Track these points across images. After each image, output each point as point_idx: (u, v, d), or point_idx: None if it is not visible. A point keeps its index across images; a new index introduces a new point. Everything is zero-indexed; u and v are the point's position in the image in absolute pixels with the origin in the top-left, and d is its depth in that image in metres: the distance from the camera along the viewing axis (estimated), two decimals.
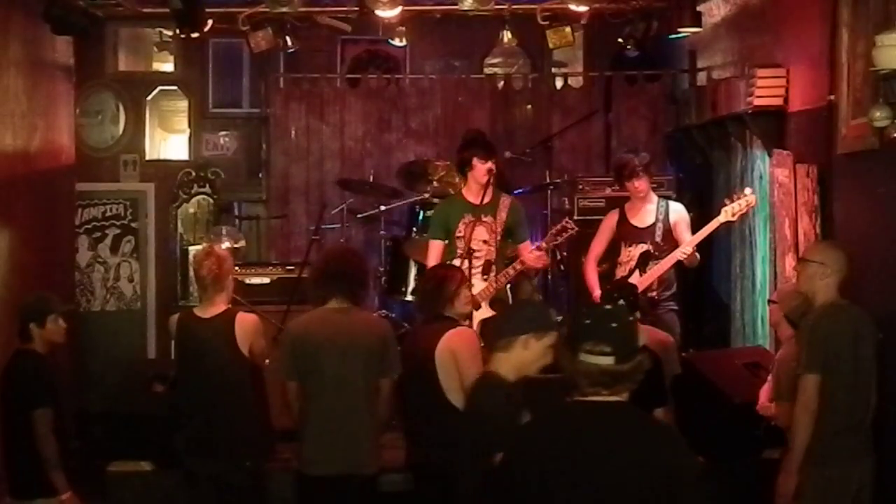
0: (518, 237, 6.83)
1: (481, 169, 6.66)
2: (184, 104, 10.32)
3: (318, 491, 5.21)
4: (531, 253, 6.65)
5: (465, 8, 8.38)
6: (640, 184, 7.00)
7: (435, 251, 6.75)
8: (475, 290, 6.46)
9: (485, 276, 6.62)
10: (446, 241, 6.76)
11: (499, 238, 6.68)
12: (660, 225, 7.01)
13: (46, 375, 5.61)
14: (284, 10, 8.35)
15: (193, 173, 10.19)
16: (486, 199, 6.71)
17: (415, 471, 5.41)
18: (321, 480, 5.19)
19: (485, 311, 6.50)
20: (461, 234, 6.65)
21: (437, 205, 7.44)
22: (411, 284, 8.19)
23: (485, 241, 6.66)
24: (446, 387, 5.10)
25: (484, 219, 6.67)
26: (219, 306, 5.57)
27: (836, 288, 4.88)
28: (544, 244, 6.71)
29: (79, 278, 9.81)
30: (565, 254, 8.09)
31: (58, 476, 5.49)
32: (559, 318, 4.44)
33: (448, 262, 6.55)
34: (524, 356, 4.32)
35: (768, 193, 7.12)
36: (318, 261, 6.01)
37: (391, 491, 5.68)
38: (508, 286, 6.99)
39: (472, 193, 6.76)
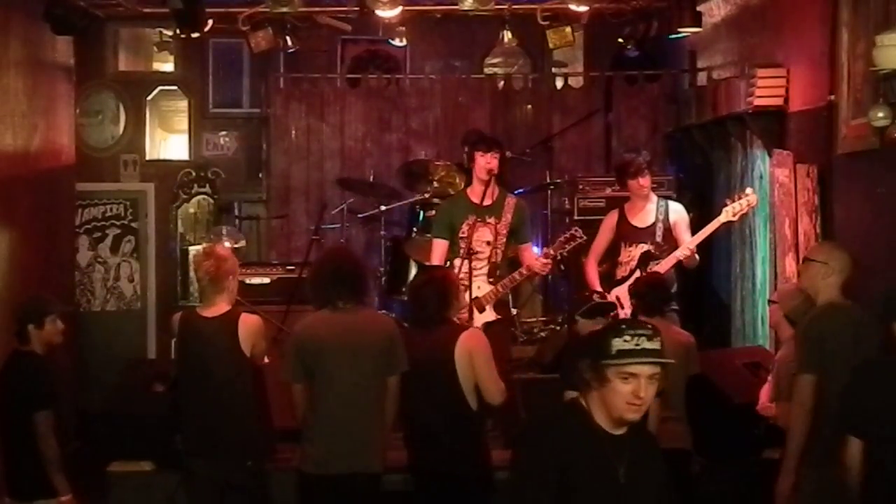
0: (520, 238, 6.74)
1: (481, 162, 6.57)
2: (184, 104, 10.33)
3: (325, 490, 5.18)
4: (538, 260, 6.53)
5: (465, 8, 8.38)
6: (645, 181, 7.03)
7: (439, 250, 6.65)
8: (481, 293, 6.44)
9: (490, 279, 6.54)
10: (450, 241, 6.65)
11: (504, 240, 6.61)
12: (660, 225, 7.01)
13: (47, 377, 5.60)
14: (284, 10, 8.35)
15: (193, 173, 10.21)
16: (490, 200, 6.61)
17: (418, 474, 5.36)
18: (329, 479, 5.15)
19: (489, 315, 6.49)
20: (464, 235, 6.56)
21: (441, 203, 7.36)
22: None
23: (488, 243, 6.56)
24: (465, 390, 5.15)
25: (488, 220, 6.58)
26: (221, 306, 5.55)
27: (838, 288, 4.87)
28: (552, 251, 6.58)
29: (79, 278, 9.82)
30: (565, 254, 8.09)
31: (59, 478, 5.49)
32: None
33: (448, 263, 6.54)
34: None
35: (768, 193, 7.12)
36: (315, 266, 5.93)
37: (391, 491, 5.67)
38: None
39: (475, 193, 6.66)
